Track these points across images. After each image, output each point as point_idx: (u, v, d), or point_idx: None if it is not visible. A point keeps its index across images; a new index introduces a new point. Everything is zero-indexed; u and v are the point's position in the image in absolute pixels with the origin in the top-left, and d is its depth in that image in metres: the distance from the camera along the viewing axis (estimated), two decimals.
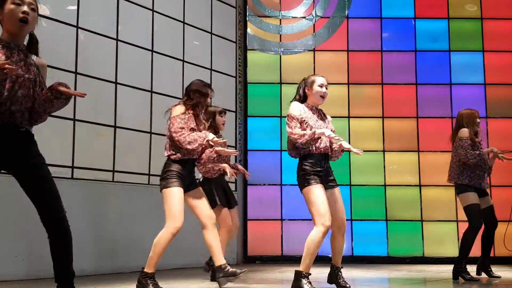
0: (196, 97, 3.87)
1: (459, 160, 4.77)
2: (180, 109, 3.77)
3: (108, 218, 5.36)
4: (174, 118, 3.71)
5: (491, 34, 7.61)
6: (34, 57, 2.59)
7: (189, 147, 3.64)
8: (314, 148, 3.65)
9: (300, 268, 3.59)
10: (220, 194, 4.73)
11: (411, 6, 7.73)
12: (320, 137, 3.61)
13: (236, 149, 7.20)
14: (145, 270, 3.66)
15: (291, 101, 3.84)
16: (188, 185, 3.82)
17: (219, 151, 3.98)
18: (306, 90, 3.81)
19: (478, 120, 4.91)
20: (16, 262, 4.54)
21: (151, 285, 3.62)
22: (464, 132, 4.77)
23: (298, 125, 3.65)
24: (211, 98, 4.01)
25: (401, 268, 6.32)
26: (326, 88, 3.80)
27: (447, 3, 7.69)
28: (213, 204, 4.58)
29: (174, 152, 3.75)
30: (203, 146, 3.70)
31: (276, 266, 5.85)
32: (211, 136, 3.68)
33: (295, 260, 7.00)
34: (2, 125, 2.39)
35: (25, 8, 2.43)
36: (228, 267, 3.88)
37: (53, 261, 2.54)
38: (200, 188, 3.94)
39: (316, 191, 3.57)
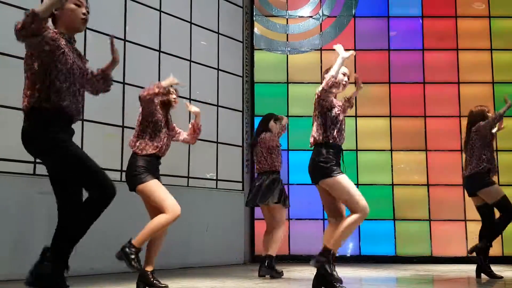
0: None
1: (477, 144, 4.86)
2: None
3: (116, 217, 5.39)
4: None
5: (499, 32, 7.57)
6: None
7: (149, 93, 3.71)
8: (336, 138, 3.59)
9: (331, 246, 3.49)
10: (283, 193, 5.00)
11: (418, 4, 7.70)
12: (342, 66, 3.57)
13: (243, 148, 7.22)
14: (133, 242, 3.60)
15: None
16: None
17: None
18: None
19: (490, 114, 4.97)
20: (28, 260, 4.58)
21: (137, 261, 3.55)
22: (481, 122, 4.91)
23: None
24: (176, 95, 4.01)
25: (409, 267, 6.31)
26: (348, 79, 3.79)
27: (455, 1, 7.66)
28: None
29: (139, 147, 3.80)
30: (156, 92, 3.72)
31: (283, 266, 5.84)
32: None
33: (302, 259, 7.01)
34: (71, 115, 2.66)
35: (84, 10, 2.75)
36: (152, 277, 3.78)
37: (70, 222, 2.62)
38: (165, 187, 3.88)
39: (345, 179, 3.51)
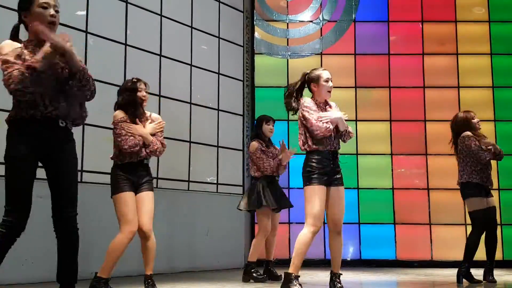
0: (125, 95, 3.84)
1: (466, 157, 4.79)
2: (119, 114, 3.80)
3: (116, 221, 5.40)
4: (116, 124, 3.77)
5: (498, 37, 7.59)
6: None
7: (132, 150, 3.71)
8: (323, 146, 3.64)
9: (290, 270, 3.61)
10: (267, 195, 4.88)
11: (418, 9, 7.72)
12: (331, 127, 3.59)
13: (244, 152, 7.22)
14: (99, 274, 3.68)
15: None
16: (137, 188, 3.77)
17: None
18: (312, 87, 3.79)
19: (475, 120, 4.90)
20: (26, 265, 4.58)
21: None
22: (468, 132, 4.82)
23: (316, 115, 3.63)
24: (146, 92, 3.92)
25: (409, 271, 6.30)
26: (331, 82, 3.83)
27: (455, 6, 7.68)
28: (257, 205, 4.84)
29: (116, 156, 3.80)
30: (142, 144, 3.72)
31: (284, 270, 5.84)
32: (143, 129, 3.75)
33: (302, 263, 6.97)
34: (45, 119, 2.58)
35: (52, 11, 2.66)
36: (152, 282, 3.76)
37: (58, 260, 2.64)
38: (146, 194, 3.79)
39: (316, 191, 3.56)
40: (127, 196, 3.68)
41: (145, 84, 3.93)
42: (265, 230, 4.94)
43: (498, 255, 6.97)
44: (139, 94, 3.84)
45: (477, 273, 4.83)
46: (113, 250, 3.65)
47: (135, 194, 3.78)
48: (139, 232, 3.75)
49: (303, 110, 3.68)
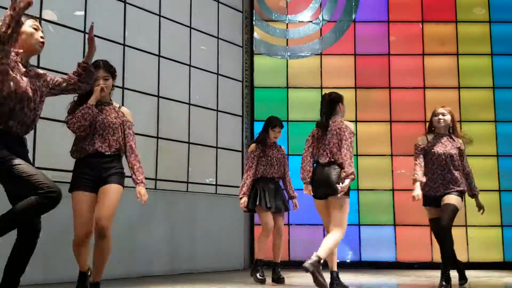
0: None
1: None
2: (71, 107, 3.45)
3: (115, 223, 5.36)
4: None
5: (499, 37, 7.56)
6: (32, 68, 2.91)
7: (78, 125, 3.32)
8: None
9: (334, 268, 4.14)
10: (263, 195, 4.90)
11: (418, 9, 7.69)
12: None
13: (243, 153, 7.19)
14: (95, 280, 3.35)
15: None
16: (101, 182, 3.33)
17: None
18: (340, 106, 4.25)
19: (436, 117, 4.78)
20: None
21: None
22: (418, 139, 4.79)
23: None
24: (106, 78, 3.51)
25: (410, 273, 6.28)
26: None
27: (455, 6, 7.66)
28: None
29: (73, 152, 3.43)
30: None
31: (284, 272, 5.82)
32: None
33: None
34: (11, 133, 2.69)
35: (41, 33, 2.84)
36: None
37: (10, 262, 2.69)
38: (110, 186, 3.32)
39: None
40: (80, 196, 3.29)
41: (110, 71, 3.53)
42: (266, 228, 4.89)
43: (499, 257, 6.99)
44: (95, 84, 3.38)
45: (472, 274, 4.81)
46: (74, 255, 3.40)
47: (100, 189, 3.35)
48: (94, 229, 3.29)
49: (351, 136, 4.07)
